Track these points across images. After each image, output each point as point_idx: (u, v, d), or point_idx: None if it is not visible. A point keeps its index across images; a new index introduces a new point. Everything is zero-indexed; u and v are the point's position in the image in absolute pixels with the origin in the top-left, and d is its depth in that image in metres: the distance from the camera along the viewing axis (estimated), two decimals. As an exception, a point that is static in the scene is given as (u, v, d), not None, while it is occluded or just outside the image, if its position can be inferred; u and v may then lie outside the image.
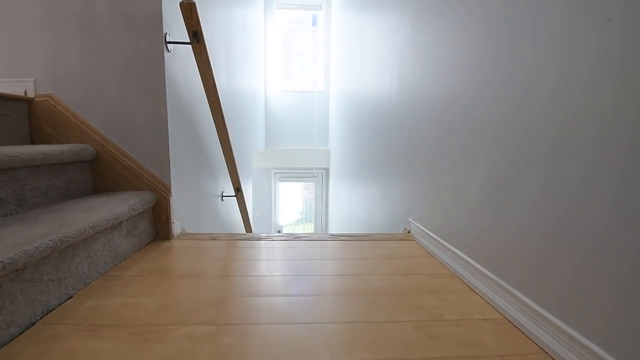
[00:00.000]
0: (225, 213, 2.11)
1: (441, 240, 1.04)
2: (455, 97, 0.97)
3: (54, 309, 0.70)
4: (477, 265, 0.83)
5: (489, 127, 0.80)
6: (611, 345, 0.48)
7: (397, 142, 1.56)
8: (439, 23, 1.09)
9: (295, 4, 4.77)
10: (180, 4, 1.08)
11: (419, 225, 1.23)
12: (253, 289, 0.84)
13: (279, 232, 5.46)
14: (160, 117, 1.16)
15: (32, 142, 1.13)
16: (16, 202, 0.86)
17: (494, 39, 0.78)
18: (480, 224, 0.83)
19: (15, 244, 0.62)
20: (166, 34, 1.14)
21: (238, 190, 2.09)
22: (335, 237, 1.28)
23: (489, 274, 0.78)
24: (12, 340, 0.60)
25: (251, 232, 2.53)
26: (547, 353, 0.59)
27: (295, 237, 1.27)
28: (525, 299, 0.65)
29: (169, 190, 1.19)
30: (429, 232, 1.14)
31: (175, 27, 1.20)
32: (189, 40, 1.18)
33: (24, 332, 0.62)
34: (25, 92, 1.13)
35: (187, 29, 1.16)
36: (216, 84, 1.39)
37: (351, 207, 2.98)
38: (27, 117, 1.12)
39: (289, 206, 5.69)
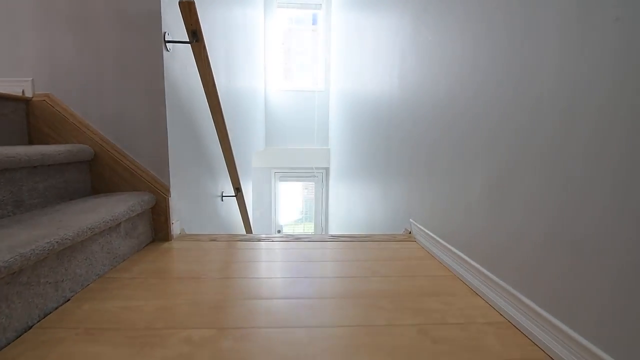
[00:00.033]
0: (225, 213, 2.10)
1: (442, 241, 1.03)
2: (455, 96, 0.97)
3: (51, 313, 0.69)
4: (479, 267, 0.82)
5: (488, 126, 0.79)
6: (610, 346, 0.48)
7: (398, 141, 1.55)
8: (440, 23, 1.08)
9: (295, 3, 4.75)
10: (180, 2, 1.07)
11: (419, 226, 1.23)
12: (253, 291, 0.83)
13: (278, 231, 5.45)
14: (159, 117, 1.15)
15: (30, 142, 1.12)
16: (13, 204, 0.85)
17: (493, 39, 0.78)
18: (481, 224, 0.82)
19: (11, 246, 0.61)
20: (165, 33, 1.12)
21: (238, 190, 2.08)
22: (336, 238, 1.27)
23: (491, 275, 0.77)
24: (8, 344, 0.59)
25: (251, 232, 2.52)
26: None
27: (296, 238, 1.26)
28: (529, 302, 0.64)
29: (168, 191, 1.18)
30: (430, 233, 1.13)
31: (174, 26, 1.19)
32: (188, 40, 1.17)
33: (20, 336, 0.62)
34: (23, 91, 1.12)
35: (186, 28, 1.15)
36: (216, 84, 1.38)
37: (351, 206, 2.97)
38: (25, 117, 1.11)
39: (289, 206, 5.68)
